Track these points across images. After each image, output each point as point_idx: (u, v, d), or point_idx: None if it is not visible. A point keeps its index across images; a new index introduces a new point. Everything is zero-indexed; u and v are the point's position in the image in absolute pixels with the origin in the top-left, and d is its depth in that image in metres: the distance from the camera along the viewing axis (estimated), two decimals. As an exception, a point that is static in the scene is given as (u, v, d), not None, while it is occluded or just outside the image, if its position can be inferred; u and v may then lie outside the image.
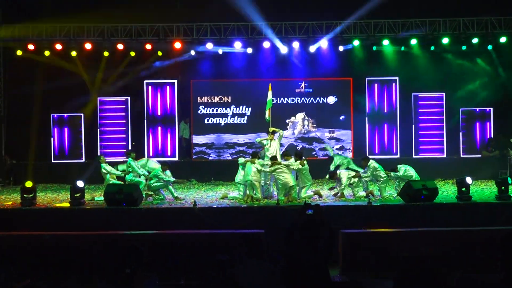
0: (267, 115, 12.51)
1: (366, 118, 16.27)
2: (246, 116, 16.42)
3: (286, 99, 16.42)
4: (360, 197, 11.29)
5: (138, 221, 9.75)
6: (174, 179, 11.63)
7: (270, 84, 12.79)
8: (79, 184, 10.52)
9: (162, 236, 8.52)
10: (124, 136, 16.20)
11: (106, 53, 15.52)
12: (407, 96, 16.24)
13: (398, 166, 11.70)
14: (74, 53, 15.45)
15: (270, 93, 12.49)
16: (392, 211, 10.09)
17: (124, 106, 16.25)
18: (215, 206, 10.50)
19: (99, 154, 13.89)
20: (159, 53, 15.63)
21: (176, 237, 8.37)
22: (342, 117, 16.36)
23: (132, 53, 15.53)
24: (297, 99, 16.43)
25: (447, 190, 12.49)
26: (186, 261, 7.92)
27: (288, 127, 16.36)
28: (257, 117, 15.84)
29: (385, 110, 16.30)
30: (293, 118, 16.43)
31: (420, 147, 16.17)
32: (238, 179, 11.60)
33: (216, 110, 16.40)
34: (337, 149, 16.20)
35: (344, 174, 11.57)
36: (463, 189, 10.45)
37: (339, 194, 11.48)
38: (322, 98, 16.39)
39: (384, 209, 10.13)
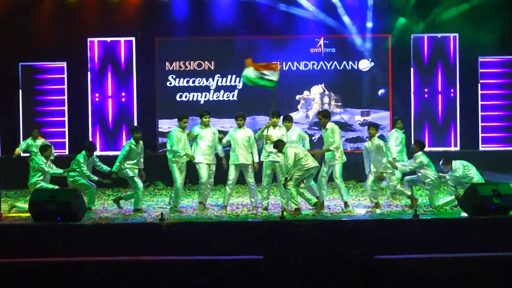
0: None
1: (411, 93, 16.22)
2: (236, 91, 16.35)
3: (296, 64, 16.32)
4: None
5: (79, 243, 9.69)
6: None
7: (278, 61, 11.60)
8: None
9: (114, 265, 8.44)
10: (62, 118, 16.21)
11: None
12: (470, 60, 16.24)
13: (454, 163, 11.57)
14: None
15: (276, 74, 11.10)
16: (449, 227, 10.09)
17: (59, 75, 16.21)
18: (191, 220, 10.43)
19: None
20: None
21: (135, 266, 8.32)
22: (381, 92, 16.30)
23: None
24: (313, 64, 16.35)
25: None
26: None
27: (299, 106, 16.28)
28: (253, 91, 15.74)
29: (439, 82, 16.25)
30: (306, 93, 16.37)
31: (488, 135, 16.22)
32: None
33: (193, 82, 16.32)
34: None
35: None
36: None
37: (373, 206, 11.53)
38: (350, 63, 16.29)
39: (438, 225, 10.13)
